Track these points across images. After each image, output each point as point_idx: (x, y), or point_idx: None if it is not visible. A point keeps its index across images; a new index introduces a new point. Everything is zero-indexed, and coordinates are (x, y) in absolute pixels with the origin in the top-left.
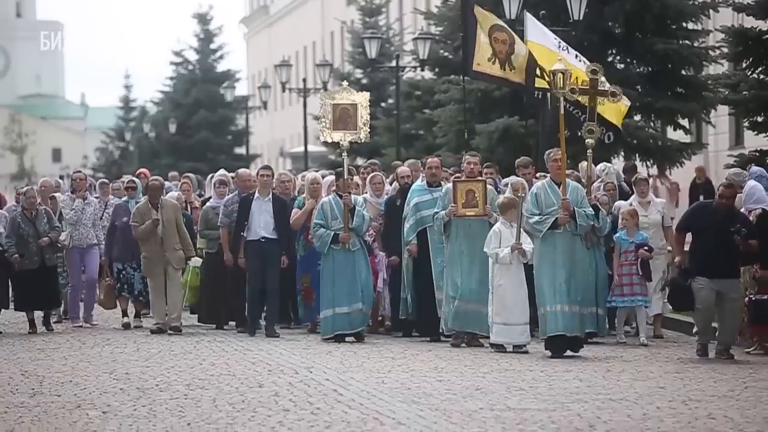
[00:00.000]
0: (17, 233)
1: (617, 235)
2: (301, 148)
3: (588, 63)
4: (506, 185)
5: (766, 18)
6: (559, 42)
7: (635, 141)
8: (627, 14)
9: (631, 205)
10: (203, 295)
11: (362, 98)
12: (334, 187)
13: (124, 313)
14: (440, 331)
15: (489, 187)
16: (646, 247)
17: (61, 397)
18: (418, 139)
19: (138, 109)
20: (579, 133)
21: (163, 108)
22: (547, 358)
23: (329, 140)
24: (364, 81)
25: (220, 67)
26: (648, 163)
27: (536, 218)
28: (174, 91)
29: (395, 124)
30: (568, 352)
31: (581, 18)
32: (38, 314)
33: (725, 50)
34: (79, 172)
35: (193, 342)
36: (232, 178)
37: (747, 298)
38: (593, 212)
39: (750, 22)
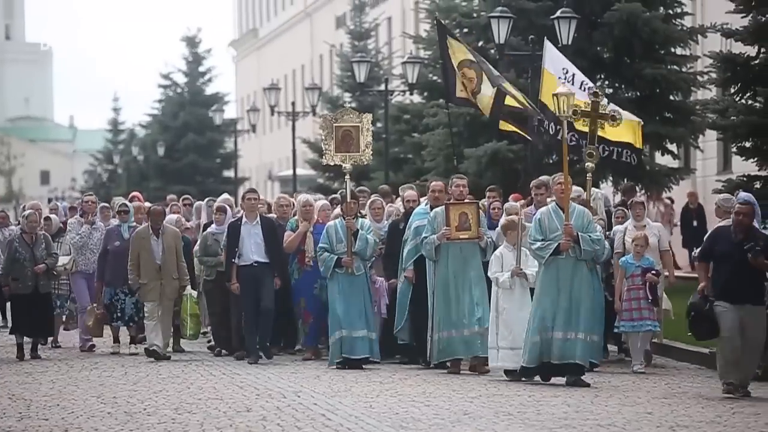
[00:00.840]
0: (13, 257)
1: (623, 259)
2: (290, 172)
3: (593, 85)
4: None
5: (755, 44)
6: (567, 70)
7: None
8: (615, 39)
9: (626, 229)
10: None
11: (365, 120)
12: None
13: (116, 340)
14: (428, 361)
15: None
16: (653, 272)
17: (48, 421)
18: (407, 163)
19: (126, 131)
20: (572, 156)
21: (152, 131)
22: (535, 383)
23: (332, 163)
24: (353, 105)
25: (209, 90)
26: (636, 188)
27: (538, 244)
28: (162, 113)
29: (384, 147)
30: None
31: (570, 43)
32: (28, 339)
33: (713, 75)
34: (91, 194)
35: (180, 366)
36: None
37: None
38: (599, 237)
39: (738, 47)
